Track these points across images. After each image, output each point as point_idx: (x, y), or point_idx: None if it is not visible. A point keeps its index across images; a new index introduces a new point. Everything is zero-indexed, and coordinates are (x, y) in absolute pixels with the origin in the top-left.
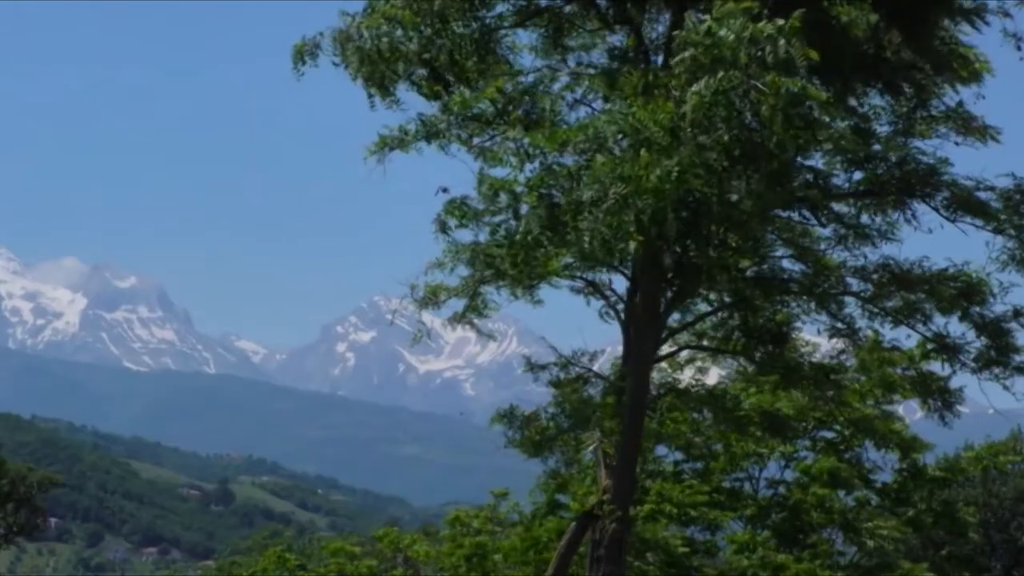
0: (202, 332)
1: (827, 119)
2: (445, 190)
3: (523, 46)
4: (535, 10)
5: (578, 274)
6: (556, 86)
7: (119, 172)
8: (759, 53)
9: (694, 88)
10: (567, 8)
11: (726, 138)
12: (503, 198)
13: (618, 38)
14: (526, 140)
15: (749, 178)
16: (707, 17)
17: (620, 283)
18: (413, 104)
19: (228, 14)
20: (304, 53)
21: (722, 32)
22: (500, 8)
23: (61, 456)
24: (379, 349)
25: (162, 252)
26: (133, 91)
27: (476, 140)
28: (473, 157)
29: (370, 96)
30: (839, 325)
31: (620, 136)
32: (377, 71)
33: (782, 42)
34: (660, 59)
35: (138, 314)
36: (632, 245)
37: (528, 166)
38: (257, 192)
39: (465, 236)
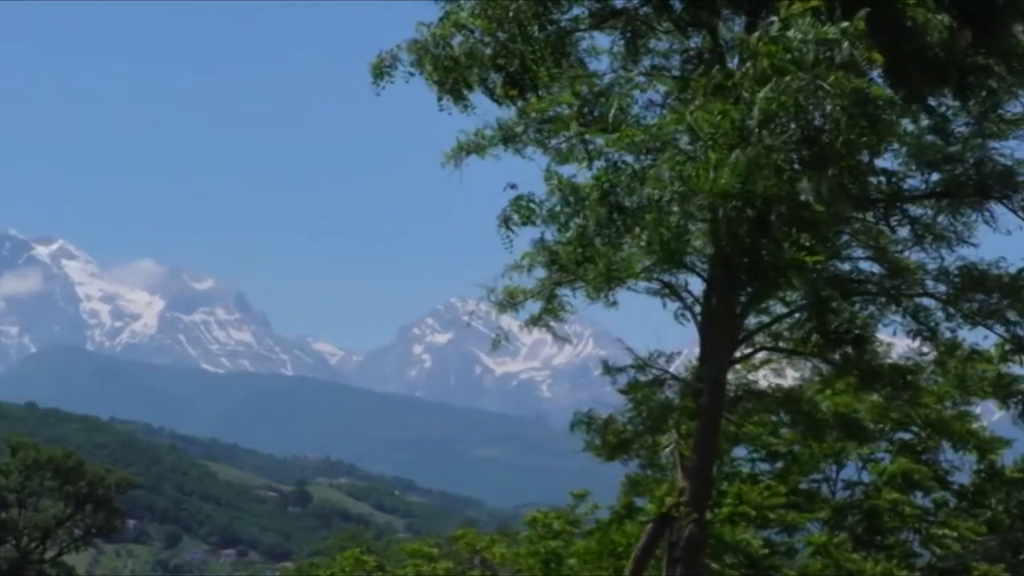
0: (279, 334)
1: (894, 118)
2: (513, 186)
3: (602, 50)
4: (610, 13)
5: (654, 275)
6: (630, 89)
7: (196, 174)
8: (827, 53)
9: (761, 93)
10: (642, 10)
11: (794, 138)
12: (570, 197)
13: (695, 40)
14: (599, 140)
15: (818, 178)
16: (775, 19)
17: (696, 285)
18: (485, 109)
19: (302, 12)
20: (382, 68)
21: (789, 33)
22: (575, 11)
23: (139, 458)
24: (455, 351)
25: (240, 254)
26: (210, 91)
27: (552, 142)
28: (549, 160)
29: (440, 100)
30: (918, 327)
31: (685, 136)
32: (451, 78)
33: (846, 44)
34: (735, 61)
35: (216, 316)
36: (699, 243)
37: (596, 163)
38: (335, 194)
39: (531, 233)
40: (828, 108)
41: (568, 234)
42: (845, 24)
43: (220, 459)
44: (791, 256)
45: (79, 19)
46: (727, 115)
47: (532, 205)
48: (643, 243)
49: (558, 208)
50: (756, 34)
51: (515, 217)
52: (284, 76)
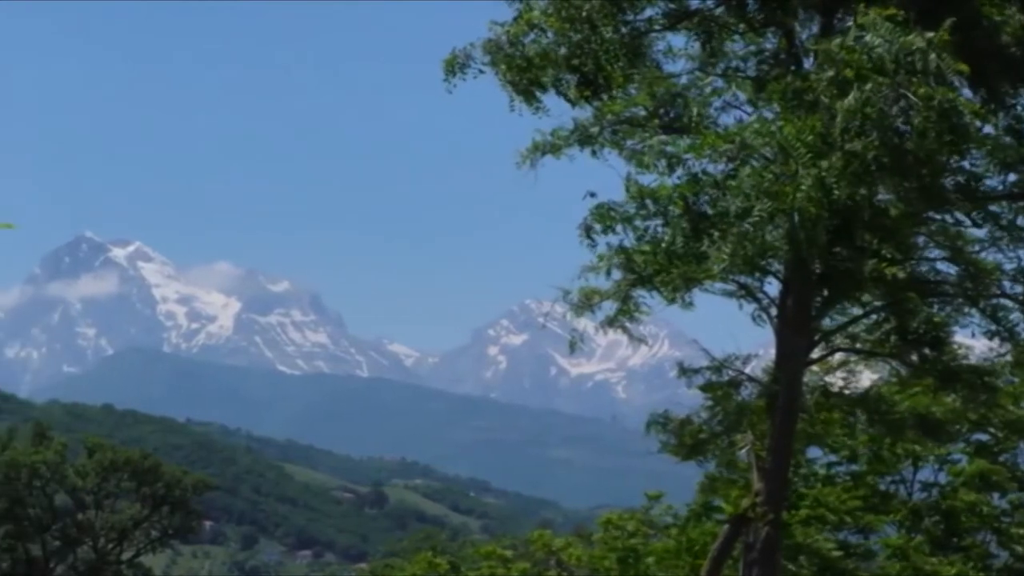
0: (355, 335)
1: (977, 124)
2: (593, 195)
3: (679, 52)
4: (685, 13)
5: (730, 277)
6: (706, 90)
7: (272, 176)
8: (908, 59)
9: (844, 103)
10: (716, 11)
11: (875, 144)
12: (650, 205)
13: (770, 41)
14: (681, 142)
15: (898, 184)
16: (850, 24)
17: (773, 286)
18: (557, 111)
19: (380, 13)
20: (455, 65)
21: (867, 37)
22: (649, 12)
23: (215, 459)
24: (530, 352)
25: (315, 256)
26: (286, 93)
27: (628, 143)
28: (625, 162)
29: (512, 101)
30: (996, 327)
31: (767, 148)
32: (525, 78)
33: (933, 56)
34: (811, 60)
35: (291, 318)
36: (778, 248)
37: (676, 171)
38: (410, 195)
39: (612, 239)
40: (915, 120)
41: (646, 241)
42: (931, 35)
43: (296, 460)
44: (872, 267)
45: (155, 21)
46: (810, 125)
47: (612, 213)
48: (725, 252)
49: (637, 214)
50: (836, 41)
51: (596, 226)
52: (359, 76)
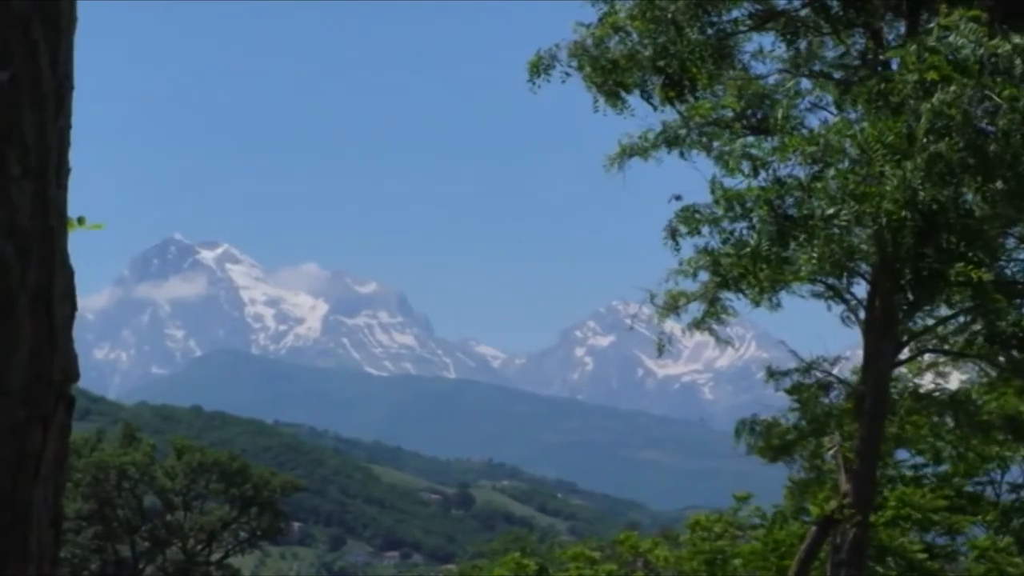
0: (442, 337)
1: None
2: (678, 197)
3: (767, 53)
4: (771, 14)
5: (818, 279)
6: (792, 91)
7: (359, 177)
8: (992, 61)
9: (927, 105)
10: (802, 12)
11: (960, 146)
12: (735, 208)
13: (857, 42)
14: (765, 145)
15: (983, 186)
16: (935, 25)
17: (861, 287)
18: (640, 112)
19: (470, 14)
20: (540, 67)
21: (951, 38)
22: (735, 13)
23: (303, 461)
24: (617, 353)
25: (402, 257)
26: (372, 93)
27: (715, 146)
28: (713, 164)
29: (596, 102)
30: None
31: (852, 148)
32: (610, 79)
33: (1018, 60)
34: (896, 63)
35: (379, 319)
36: (864, 250)
37: (761, 174)
38: (497, 196)
39: (697, 242)
40: (1000, 121)
41: (731, 244)
42: (1018, 40)
43: (383, 462)
44: (958, 271)
45: (247, 21)
46: (893, 127)
47: (698, 215)
48: (812, 255)
49: (722, 216)
50: (918, 42)
51: (682, 228)
52: (448, 77)
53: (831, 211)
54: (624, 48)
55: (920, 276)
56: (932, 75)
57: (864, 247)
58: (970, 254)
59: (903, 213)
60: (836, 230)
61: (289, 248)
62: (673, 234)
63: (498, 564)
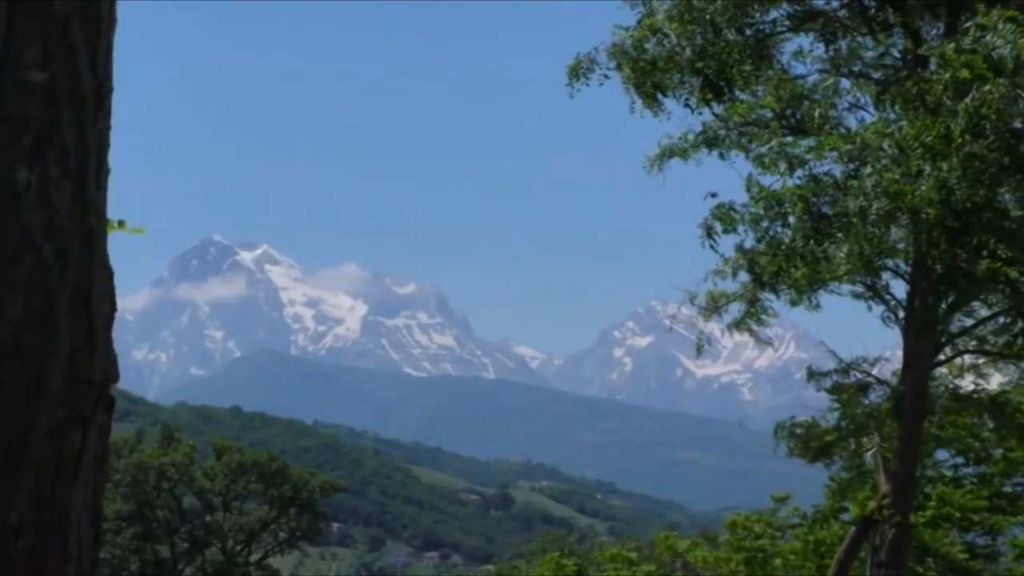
0: (481, 337)
1: None
2: (714, 195)
3: (806, 54)
4: (809, 15)
5: (857, 279)
6: (831, 92)
7: (397, 178)
8: None
9: (964, 104)
10: (840, 13)
11: (995, 145)
12: (771, 206)
13: (896, 42)
14: (802, 143)
15: (1019, 185)
16: (970, 25)
17: (901, 288)
18: (678, 113)
19: (504, 13)
20: (579, 71)
21: (987, 38)
22: (774, 14)
23: (343, 461)
24: (656, 354)
25: (441, 258)
26: (410, 95)
27: (754, 146)
28: (751, 164)
29: (632, 104)
30: None
31: (888, 148)
32: (649, 81)
33: None
34: (933, 64)
35: (418, 320)
36: (900, 249)
37: (797, 172)
38: (534, 198)
39: (733, 238)
40: None
41: (767, 242)
42: None
43: (422, 462)
44: (990, 267)
45: (283, 22)
46: (930, 126)
47: (733, 213)
48: (843, 252)
49: (759, 214)
50: (952, 44)
51: (717, 226)
52: (484, 79)
53: (862, 206)
54: (663, 49)
55: (955, 275)
56: (964, 74)
57: (898, 244)
58: (1002, 253)
59: (936, 212)
60: (869, 227)
61: (328, 249)
62: (709, 231)
63: (538, 564)
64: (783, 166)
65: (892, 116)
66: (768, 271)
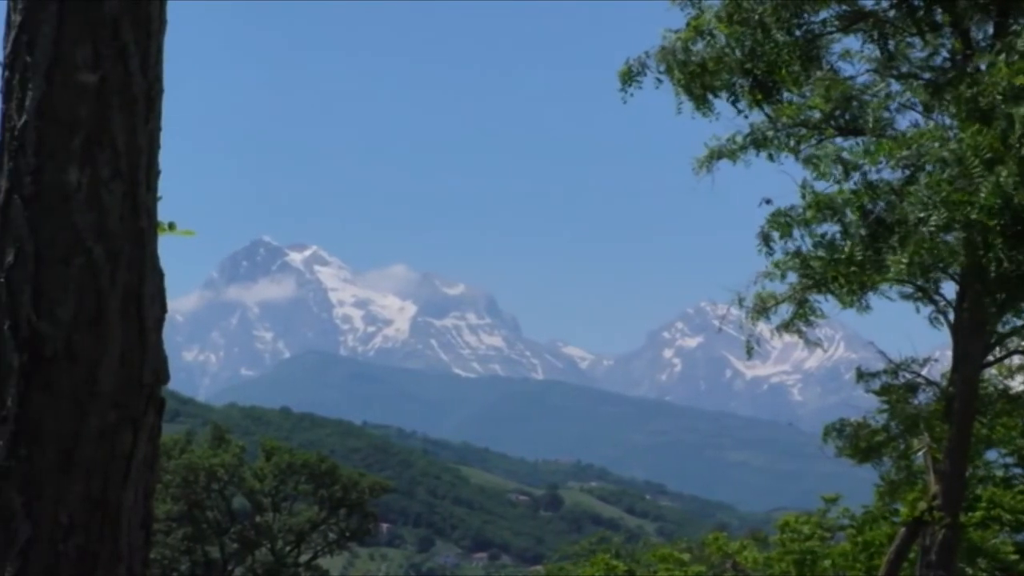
0: (530, 338)
1: None
2: (769, 201)
3: (855, 54)
4: (859, 15)
5: (907, 279)
6: (882, 92)
7: (447, 179)
8: None
9: (1020, 110)
10: (891, 13)
11: None
12: (826, 212)
13: (946, 43)
14: (857, 149)
15: None
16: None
17: (950, 288)
18: (726, 115)
19: (552, 14)
20: (631, 75)
21: None
22: (823, 14)
23: (392, 462)
24: (705, 355)
25: (490, 259)
26: (461, 95)
27: (803, 148)
28: (801, 166)
29: (679, 104)
30: None
31: (944, 153)
32: (698, 82)
33: None
34: (985, 66)
35: (467, 321)
36: (955, 253)
37: (852, 176)
38: (584, 199)
39: (788, 245)
40: None
41: (823, 247)
42: None
43: (472, 463)
44: None
45: (336, 20)
46: (989, 137)
47: (789, 218)
48: (904, 259)
49: (813, 218)
50: (1005, 48)
51: (775, 233)
52: (535, 80)
53: (922, 216)
54: (712, 51)
55: (1010, 277)
56: (1021, 80)
57: (956, 251)
58: None
59: (994, 221)
60: (927, 235)
61: (378, 250)
62: (766, 239)
63: (589, 564)
64: (838, 171)
65: (947, 121)
66: (823, 275)
